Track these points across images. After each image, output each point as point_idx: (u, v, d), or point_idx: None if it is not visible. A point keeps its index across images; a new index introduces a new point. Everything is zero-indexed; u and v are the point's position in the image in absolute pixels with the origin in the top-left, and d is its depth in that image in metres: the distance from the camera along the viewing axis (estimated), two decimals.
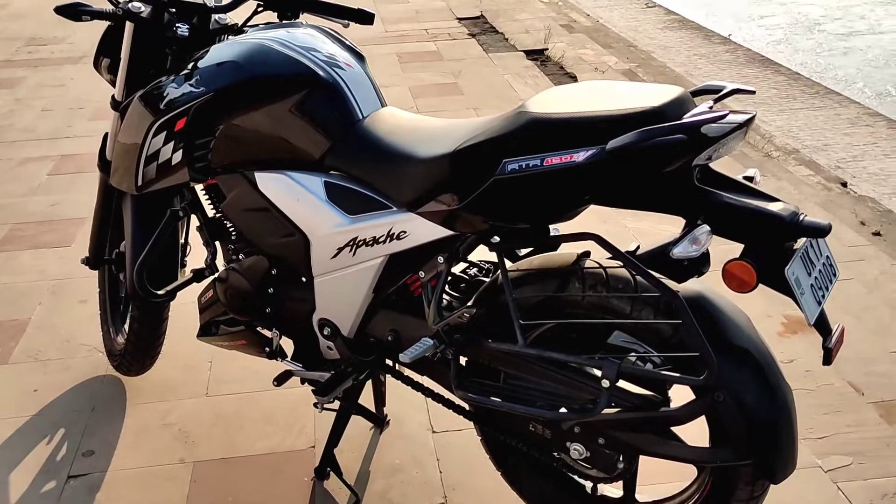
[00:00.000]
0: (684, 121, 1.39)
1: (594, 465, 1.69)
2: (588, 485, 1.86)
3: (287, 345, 2.06)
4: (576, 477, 1.87)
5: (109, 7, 2.06)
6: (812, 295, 1.43)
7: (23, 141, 4.60)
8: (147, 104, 1.91)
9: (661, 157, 1.40)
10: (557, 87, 1.63)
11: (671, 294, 1.46)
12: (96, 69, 2.23)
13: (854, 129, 4.91)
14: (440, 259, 1.72)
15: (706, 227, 1.41)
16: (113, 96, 2.16)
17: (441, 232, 1.67)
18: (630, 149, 1.39)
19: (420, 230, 1.70)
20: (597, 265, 1.64)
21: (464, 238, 1.69)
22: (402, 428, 2.31)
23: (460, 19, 7.23)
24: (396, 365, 1.98)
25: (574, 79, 5.82)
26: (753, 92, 1.54)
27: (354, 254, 1.78)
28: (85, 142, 4.56)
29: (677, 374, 1.50)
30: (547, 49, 6.55)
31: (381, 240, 1.74)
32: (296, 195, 1.82)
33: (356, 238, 1.77)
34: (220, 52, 1.87)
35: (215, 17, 2.07)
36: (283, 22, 1.98)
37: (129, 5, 1.99)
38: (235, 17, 2.14)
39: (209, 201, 2.05)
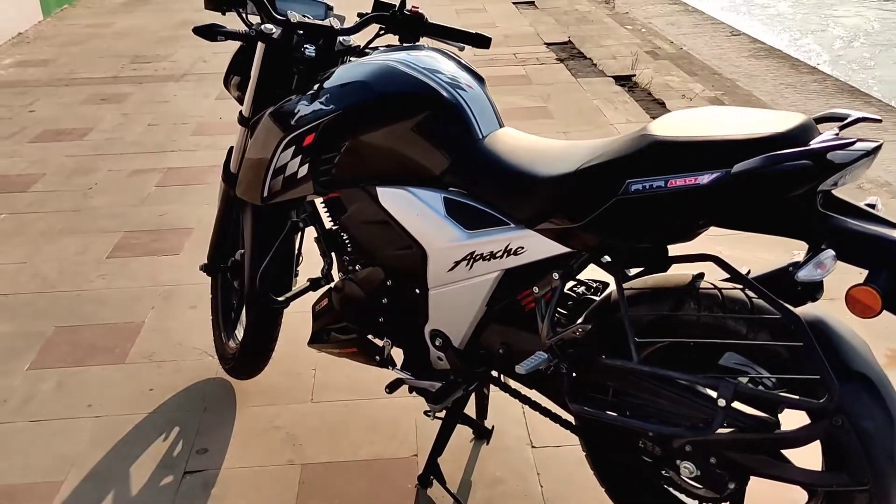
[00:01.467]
0: (811, 146, 1.42)
1: (704, 485, 1.71)
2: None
3: (397, 354, 2.13)
4: (682, 496, 1.89)
5: (243, 28, 2.18)
6: None
7: (131, 154, 4.81)
8: (277, 121, 2.02)
9: (786, 181, 1.43)
10: (679, 111, 1.68)
11: (793, 317, 1.49)
12: (225, 86, 2.36)
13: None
14: (555, 275, 1.77)
15: (831, 252, 1.44)
16: (240, 112, 2.28)
17: (558, 249, 1.73)
18: (756, 173, 1.43)
19: (537, 246, 1.75)
20: (712, 286, 1.67)
21: (579, 255, 1.75)
22: (502, 441, 2.36)
23: (548, 44, 7.30)
24: (502, 377, 2.04)
25: (662, 105, 5.83)
26: (880, 120, 1.57)
27: (471, 268, 1.85)
28: (189, 156, 4.76)
29: (797, 397, 1.52)
30: (634, 75, 6.57)
31: (498, 254, 1.80)
32: (415, 210, 1.90)
33: (473, 252, 1.83)
34: (347, 72, 1.97)
35: (340, 39, 2.17)
36: (405, 45, 2.07)
37: (262, 27, 2.10)
38: (358, 39, 2.24)
39: (327, 214, 2.14)
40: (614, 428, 1.80)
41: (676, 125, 1.59)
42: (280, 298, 2.25)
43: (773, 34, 8.70)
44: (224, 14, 2.14)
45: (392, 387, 2.11)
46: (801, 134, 1.47)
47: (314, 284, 2.26)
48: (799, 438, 1.58)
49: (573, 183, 1.66)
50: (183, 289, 3.28)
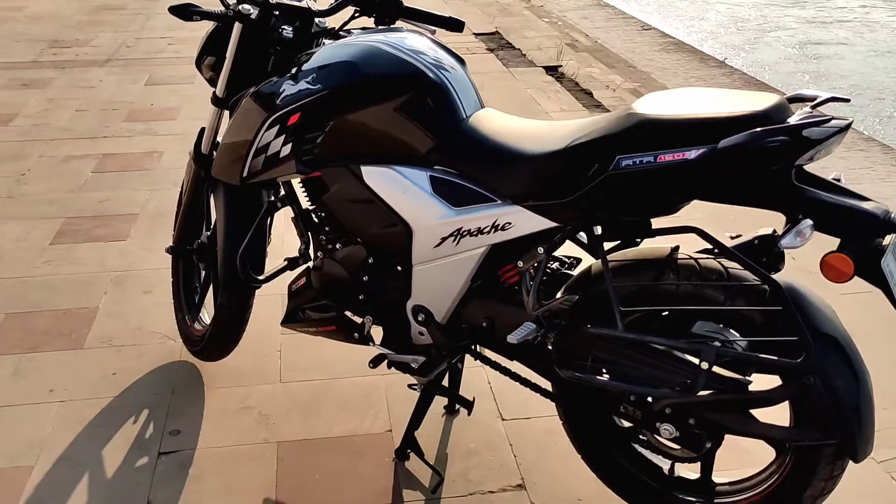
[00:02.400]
0: (790, 123, 1.53)
1: (683, 445, 1.82)
2: (666, 465, 1.99)
3: (375, 331, 2.18)
4: (656, 458, 2.00)
5: (219, 8, 2.18)
6: None
7: (62, 140, 4.70)
8: (261, 101, 2.04)
9: (767, 156, 1.54)
10: (658, 92, 1.77)
11: (772, 282, 1.60)
12: (198, 67, 2.36)
13: (850, 153, 5.08)
14: (540, 250, 1.85)
15: (809, 222, 1.55)
16: (214, 93, 2.28)
17: (545, 223, 1.80)
18: (741, 148, 1.53)
19: (525, 222, 1.82)
20: (689, 257, 1.78)
21: (563, 229, 1.83)
22: (473, 414, 2.43)
23: (477, 34, 7.40)
24: (480, 349, 2.11)
25: (590, 95, 5.99)
26: (849, 100, 1.69)
27: (458, 243, 1.91)
28: (123, 142, 4.67)
29: (775, 358, 1.64)
30: (561, 66, 6.72)
31: (485, 230, 1.87)
32: (401, 188, 1.95)
33: (461, 228, 1.89)
34: (332, 53, 2.00)
35: (316, 20, 2.20)
36: (386, 27, 2.11)
37: (240, 7, 2.12)
38: (333, 21, 2.28)
39: (305, 194, 2.17)
40: (596, 393, 1.89)
41: (660, 105, 1.68)
42: (260, 278, 2.27)
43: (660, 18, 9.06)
44: None
45: (375, 362, 2.16)
46: (777, 112, 1.58)
47: (292, 264, 2.28)
48: (774, 397, 1.70)
49: (562, 160, 1.74)
50: (135, 274, 3.24)
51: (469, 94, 1.99)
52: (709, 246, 1.70)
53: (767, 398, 1.70)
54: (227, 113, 2.32)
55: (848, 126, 1.55)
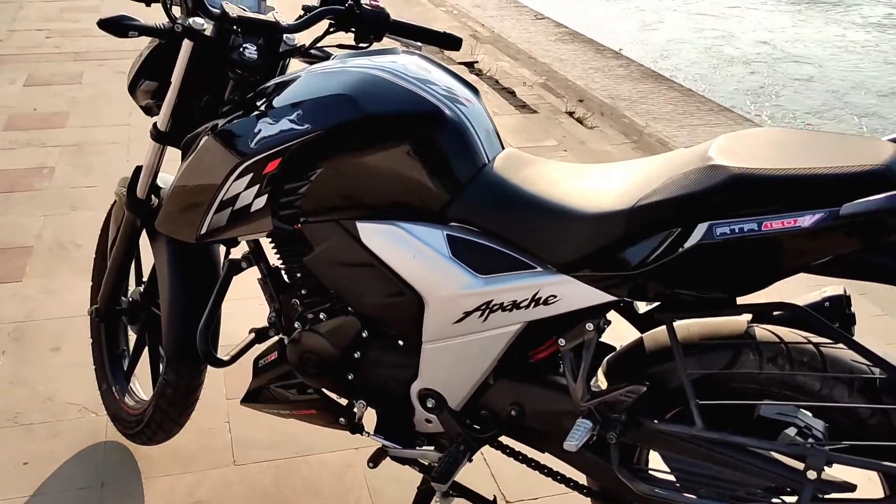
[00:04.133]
0: None
1: None
2: None
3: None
4: None
5: (162, 22, 1.74)
6: None
7: None
8: (228, 142, 1.62)
9: None
10: (735, 133, 1.45)
11: None
12: (131, 93, 1.90)
13: (717, 119, 4.99)
14: (588, 326, 1.51)
15: None
16: (154, 125, 1.84)
17: (600, 298, 1.46)
18: (871, 216, 1.23)
19: (574, 295, 1.48)
20: (774, 335, 1.47)
21: (620, 303, 1.49)
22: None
23: None
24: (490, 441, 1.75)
25: (513, 94, 5.71)
26: None
27: (486, 319, 1.55)
28: (6, 155, 4.08)
29: None
30: (477, 61, 6.43)
31: (522, 304, 1.52)
32: (411, 250, 1.57)
33: (490, 302, 1.53)
34: (321, 82, 1.60)
35: (284, 37, 1.79)
36: (379, 49, 1.71)
37: (190, 21, 1.68)
38: (301, 38, 1.86)
39: (276, 250, 1.77)
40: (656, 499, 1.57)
41: (746, 153, 1.36)
42: (225, 358, 1.84)
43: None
44: (148, 5, 1.71)
45: (375, 460, 1.77)
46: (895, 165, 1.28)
47: (260, 336, 1.87)
48: None
49: (630, 222, 1.39)
50: (36, 326, 2.73)
51: (489, 132, 1.63)
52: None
53: None
54: (167, 150, 1.89)
55: None
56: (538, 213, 1.51)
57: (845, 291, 1.47)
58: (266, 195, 1.61)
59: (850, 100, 7.00)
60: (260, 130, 1.59)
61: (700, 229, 1.33)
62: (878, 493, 1.47)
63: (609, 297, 1.46)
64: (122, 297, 2.15)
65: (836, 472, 1.41)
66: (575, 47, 7.66)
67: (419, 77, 1.60)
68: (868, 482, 1.48)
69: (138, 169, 1.93)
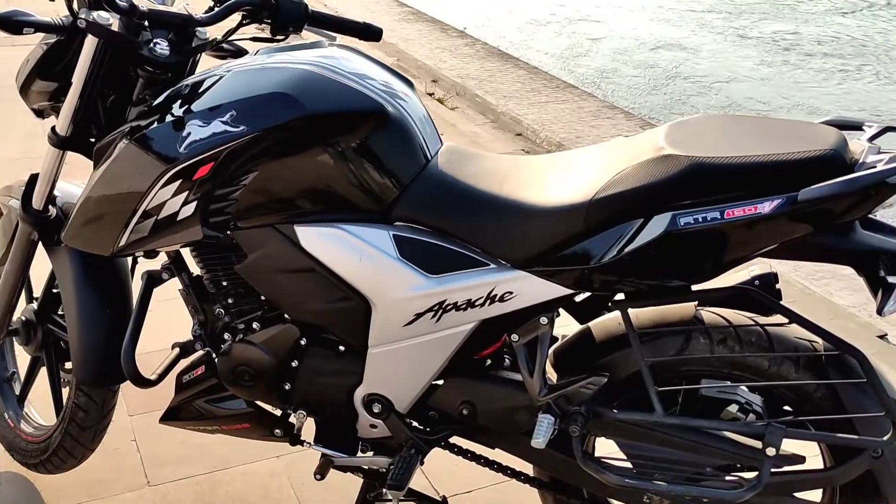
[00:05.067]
0: (878, 170, 1.29)
1: None
2: None
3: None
4: None
5: (61, 17, 1.60)
6: None
7: None
8: (150, 148, 1.50)
9: (854, 207, 1.30)
10: (681, 121, 1.47)
11: (859, 354, 1.37)
12: (23, 95, 1.73)
13: (598, 121, 5.16)
14: (542, 320, 1.50)
15: None
16: (53, 129, 1.68)
17: (558, 292, 1.46)
18: (827, 200, 1.28)
19: (531, 290, 1.46)
20: (723, 319, 1.51)
21: (572, 297, 1.49)
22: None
23: None
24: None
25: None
26: None
27: (438, 320, 1.51)
28: None
29: (855, 437, 1.41)
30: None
31: (477, 302, 1.49)
32: (356, 253, 1.51)
33: (444, 302, 1.50)
34: (253, 81, 1.50)
35: (196, 31, 1.67)
36: (309, 43, 1.63)
37: (94, 16, 1.54)
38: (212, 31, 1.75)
39: (199, 259, 1.66)
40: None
41: (696, 141, 1.39)
42: (152, 377, 1.71)
43: None
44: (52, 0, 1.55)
45: (322, 472, 1.70)
46: (844, 150, 1.34)
47: (185, 350, 1.75)
48: (843, 475, 1.48)
49: (589, 216, 1.39)
50: None
51: (429, 127, 1.58)
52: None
53: (837, 476, 1.48)
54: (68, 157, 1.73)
55: None
56: (489, 209, 1.48)
57: (772, 269, 1.52)
58: (195, 202, 1.51)
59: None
60: (189, 133, 1.48)
61: (662, 219, 1.34)
62: (820, 464, 1.54)
63: (567, 291, 1.45)
64: (22, 318, 1.97)
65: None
66: (420, 27, 7.65)
67: (357, 72, 1.53)
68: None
69: (34, 177, 1.76)
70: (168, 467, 2.10)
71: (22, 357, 2.12)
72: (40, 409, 2.12)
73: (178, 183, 1.49)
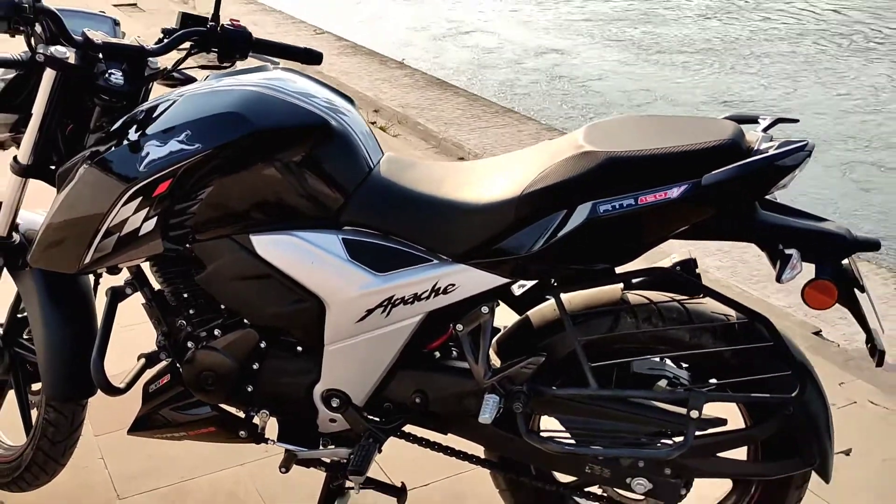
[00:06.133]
0: (770, 154, 1.46)
1: (658, 496, 1.70)
2: None
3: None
4: None
5: (20, 53, 1.70)
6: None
7: None
8: (110, 169, 1.61)
9: (752, 189, 1.47)
10: (597, 122, 1.63)
11: (763, 319, 1.53)
12: None
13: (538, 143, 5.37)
14: (484, 309, 1.64)
15: (797, 253, 1.49)
16: (15, 158, 1.78)
17: (496, 281, 1.60)
18: (727, 183, 1.44)
19: (471, 281, 1.60)
20: (644, 298, 1.66)
21: (510, 284, 1.63)
22: (366, 493, 2.14)
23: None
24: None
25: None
26: (797, 121, 1.66)
27: (388, 314, 1.64)
28: None
29: (768, 395, 1.57)
30: None
31: (423, 296, 1.62)
32: (308, 257, 1.63)
33: (392, 297, 1.63)
34: (204, 102, 1.62)
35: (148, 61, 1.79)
36: (254, 67, 1.75)
37: (52, 50, 1.65)
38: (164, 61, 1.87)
39: (159, 273, 1.77)
40: (557, 458, 1.72)
41: (613, 139, 1.55)
42: (121, 385, 1.80)
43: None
44: (12, 36, 1.65)
45: (286, 465, 1.80)
46: (741, 140, 1.51)
47: (151, 361, 1.85)
48: (762, 433, 1.64)
49: (519, 210, 1.53)
50: None
51: (370, 139, 1.72)
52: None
53: (757, 435, 1.64)
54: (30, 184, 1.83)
55: (812, 149, 1.51)
56: (430, 209, 1.62)
57: (691, 255, 1.68)
58: (155, 218, 1.62)
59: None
60: (148, 153, 1.59)
61: (584, 209, 1.49)
62: (741, 424, 1.70)
63: (503, 280, 1.60)
64: None
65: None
66: (359, 60, 7.80)
67: (300, 91, 1.66)
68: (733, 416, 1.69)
69: None
70: (136, 481, 2.19)
71: None
72: (6, 432, 2.19)
73: (138, 200, 1.61)
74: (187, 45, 1.85)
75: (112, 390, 1.78)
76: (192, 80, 1.93)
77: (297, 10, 9.58)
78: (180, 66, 1.87)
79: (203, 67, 1.88)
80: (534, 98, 7.10)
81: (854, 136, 6.07)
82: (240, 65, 1.86)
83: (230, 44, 1.86)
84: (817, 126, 6.16)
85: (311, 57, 1.94)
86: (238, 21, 1.88)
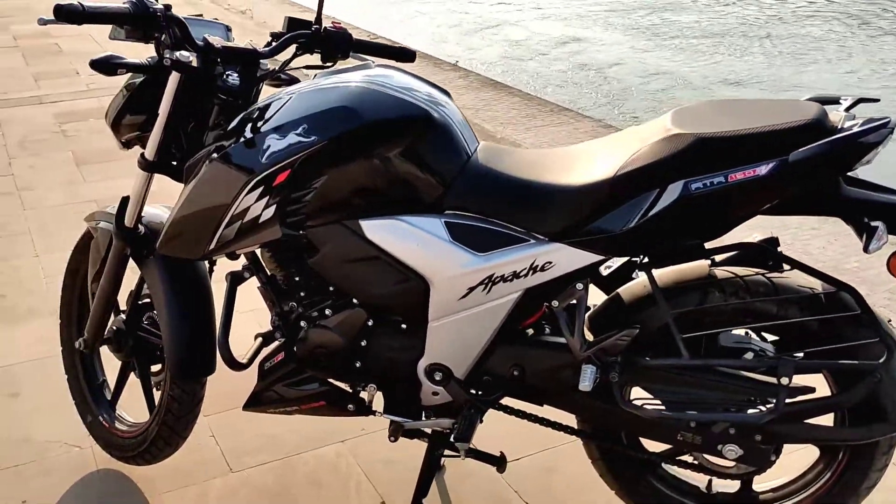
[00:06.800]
0: (854, 131, 1.54)
1: (748, 462, 1.78)
2: (702, 483, 1.97)
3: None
4: (688, 479, 1.96)
5: (147, 59, 1.86)
6: None
7: None
8: (237, 162, 1.76)
9: (838, 166, 1.54)
10: (682, 108, 1.73)
11: (851, 290, 1.61)
12: (114, 128, 1.99)
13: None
14: (578, 286, 1.75)
15: (883, 225, 1.56)
16: (142, 156, 1.94)
17: (590, 258, 1.70)
18: (814, 160, 1.52)
19: (567, 259, 1.71)
20: (731, 273, 1.75)
21: (604, 261, 1.74)
22: (461, 465, 2.26)
23: None
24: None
25: None
26: (878, 100, 1.73)
27: (488, 291, 1.76)
28: None
29: (856, 361, 1.65)
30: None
31: (521, 273, 1.73)
32: (414, 240, 1.76)
33: (492, 275, 1.74)
34: (318, 99, 1.76)
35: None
36: (358, 64, 1.89)
37: (177, 55, 1.81)
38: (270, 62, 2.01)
39: (273, 259, 1.91)
40: (651, 426, 1.81)
41: (703, 121, 1.64)
42: (243, 361, 1.96)
43: None
44: (146, 43, 1.82)
45: (395, 434, 1.93)
46: (825, 119, 1.59)
47: (267, 340, 1.99)
48: (851, 399, 1.70)
49: (614, 189, 1.64)
50: None
51: (467, 129, 1.84)
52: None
53: (846, 401, 1.71)
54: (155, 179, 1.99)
55: (895, 126, 1.58)
56: (527, 192, 1.73)
57: (772, 234, 1.76)
58: (274, 206, 1.76)
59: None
60: (269, 146, 1.73)
61: (676, 188, 1.59)
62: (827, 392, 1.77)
63: (597, 257, 1.70)
64: (113, 327, 2.20)
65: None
66: (412, 64, 7.93)
67: (403, 85, 1.79)
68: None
69: (125, 199, 2.02)
70: (246, 456, 2.34)
71: (108, 366, 2.38)
72: (126, 410, 2.36)
73: (260, 189, 1.75)
74: (293, 47, 1.99)
75: (237, 365, 1.93)
76: (295, 80, 2.07)
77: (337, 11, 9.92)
78: (288, 68, 2.01)
79: (307, 67, 2.02)
80: (566, 89, 7.28)
81: None
82: (341, 64, 2.01)
83: (332, 45, 2.00)
84: None
85: (404, 55, 2.07)
86: (339, 23, 2.02)
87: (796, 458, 1.93)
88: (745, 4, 9.90)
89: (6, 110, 5.66)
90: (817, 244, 3.66)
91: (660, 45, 8.51)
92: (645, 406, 1.74)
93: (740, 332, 1.77)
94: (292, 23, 2.01)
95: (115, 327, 2.19)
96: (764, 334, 1.77)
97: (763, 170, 1.55)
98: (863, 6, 9.33)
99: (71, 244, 2.31)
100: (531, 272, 1.73)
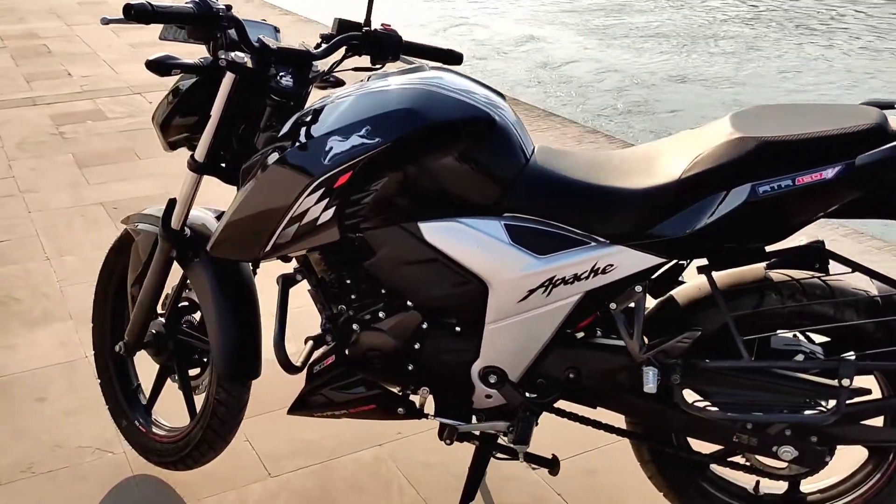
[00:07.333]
0: None
1: (802, 464, 1.80)
2: (749, 485, 1.98)
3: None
4: (736, 481, 1.98)
5: (200, 60, 1.85)
6: None
7: None
8: (297, 164, 1.74)
9: None
10: (740, 111, 1.74)
11: None
12: (163, 129, 1.97)
13: (582, 145, 5.41)
14: (637, 288, 1.75)
15: None
16: (192, 157, 1.92)
17: (653, 261, 1.71)
18: (881, 163, 1.54)
19: (629, 262, 1.71)
20: (786, 276, 1.77)
21: (664, 263, 1.74)
22: (502, 469, 2.26)
23: None
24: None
25: None
26: None
27: (549, 294, 1.76)
28: None
29: None
30: None
31: (582, 276, 1.73)
32: (474, 242, 1.75)
33: (553, 278, 1.74)
34: (378, 100, 1.75)
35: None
36: (411, 67, 1.88)
37: (232, 56, 1.80)
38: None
39: (324, 262, 1.90)
40: (707, 427, 1.82)
41: (759, 125, 1.65)
42: (298, 364, 1.94)
43: None
44: (206, 43, 1.80)
45: (450, 437, 1.92)
46: (886, 123, 1.61)
47: (318, 343, 1.98)
48: None
49: (679, 192, 1.65)
50: (11, 381, 2.68)
51: (524, 131, 1.84)
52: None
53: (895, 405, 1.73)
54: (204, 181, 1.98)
55: None
56: (587, 195, 1.73)
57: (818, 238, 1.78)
58: (334, 208, 1.75)
59: None
60: (331, 148, 1.72)
61: (741, 191, 1.60)
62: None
63: (659, 259, 1.71)
64: (153, 331, 2.18)
65: None
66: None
67: (462, 88, 1.79)
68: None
69: (172, 201, 2.00)
70: (284, 461, 2.32)
71: (142, 371, 2.35)
72: (165, 415, 2.34)
73: (320, 192, 1.74)
74: (343, 49, 1.99)
75: (292, 368, 1.91)
76: (341, 82, 2.06)
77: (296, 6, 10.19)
78: (338, 69, 2.00)
79: (357, 69, 2.01)
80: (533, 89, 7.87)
81: None
82: (390, 66, 2.00)
83: (382, 46, 1.99)
84: None
85: (452, 57, 2.07)
86: (389, 25, 2.01)
87: (840, 459, 1.94)
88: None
89: (1, 111, 5.59)
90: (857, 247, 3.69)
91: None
92: (707, 408, 1.75)
93: (789, 334, 1.79)
94: (342, 24, 2.00)
95: (154, 330, 2.16)
96: (812, 335, 1.79)
97: (829, 173, 1.56)
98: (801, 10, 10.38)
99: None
100: (592, 275, 1.73)
